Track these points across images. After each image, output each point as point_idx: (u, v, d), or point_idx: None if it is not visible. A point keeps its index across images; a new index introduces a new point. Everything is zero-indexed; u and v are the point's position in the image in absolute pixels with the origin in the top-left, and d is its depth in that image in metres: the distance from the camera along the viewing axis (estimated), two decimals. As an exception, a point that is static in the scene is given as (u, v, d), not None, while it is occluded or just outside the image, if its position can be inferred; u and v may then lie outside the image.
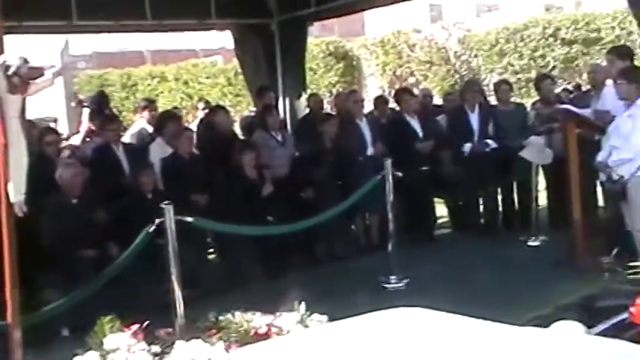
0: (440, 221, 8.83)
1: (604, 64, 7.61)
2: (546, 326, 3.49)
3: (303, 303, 4.76)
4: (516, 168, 8.03)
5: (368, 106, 9.73)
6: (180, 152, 7.18)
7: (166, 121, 7.73)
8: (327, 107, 13.74)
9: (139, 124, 8.73)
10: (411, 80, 19.65)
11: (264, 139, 7.89)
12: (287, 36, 9.81)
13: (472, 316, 3.39)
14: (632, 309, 2.58)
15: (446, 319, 2.96)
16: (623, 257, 6.05)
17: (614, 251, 6.16)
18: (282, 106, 9.78)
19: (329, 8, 9.46)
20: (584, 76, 12.47)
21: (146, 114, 8.68)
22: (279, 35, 9.82)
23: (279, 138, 8.01)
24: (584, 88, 9.45)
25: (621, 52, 7.01)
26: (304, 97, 9.97)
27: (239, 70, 12.60)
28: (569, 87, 8.79)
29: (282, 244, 6.94)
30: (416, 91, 10.52)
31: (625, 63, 6.59)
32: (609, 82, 6.67)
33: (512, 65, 20.08)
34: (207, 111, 9.77)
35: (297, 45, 10.04)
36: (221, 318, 4.71)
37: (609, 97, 6.55)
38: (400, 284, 6.42)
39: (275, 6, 9.75)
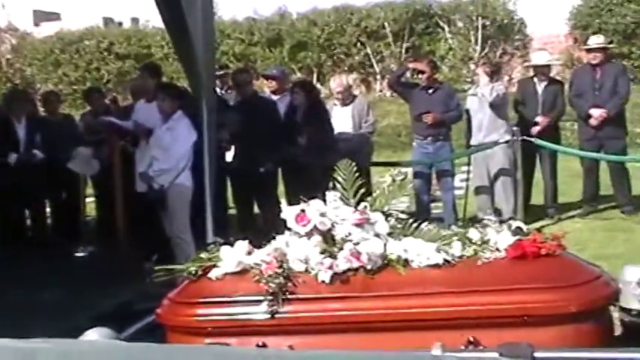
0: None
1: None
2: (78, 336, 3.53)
3: None
4: (65, 179, 7.99)
5: None
6: None
7: None
8: None
9: None
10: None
11: None
12: None
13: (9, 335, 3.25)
14: (158, 310, 2.75)
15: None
16: (163, 261, 6.36)
17: (154, 257, 6.45)
18: None
19: None
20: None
21: None
22: None
23: None
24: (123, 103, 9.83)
25: (152, 70, 7.45)
26: None
27: None
28: (106, 101, 9.04)
29: None
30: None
31: (155, 80, 7.03)
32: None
33: (68, 76, 19.83)
34: None
35: None
36: None
37: (142, 110, 6.94)
38: None
39: None
